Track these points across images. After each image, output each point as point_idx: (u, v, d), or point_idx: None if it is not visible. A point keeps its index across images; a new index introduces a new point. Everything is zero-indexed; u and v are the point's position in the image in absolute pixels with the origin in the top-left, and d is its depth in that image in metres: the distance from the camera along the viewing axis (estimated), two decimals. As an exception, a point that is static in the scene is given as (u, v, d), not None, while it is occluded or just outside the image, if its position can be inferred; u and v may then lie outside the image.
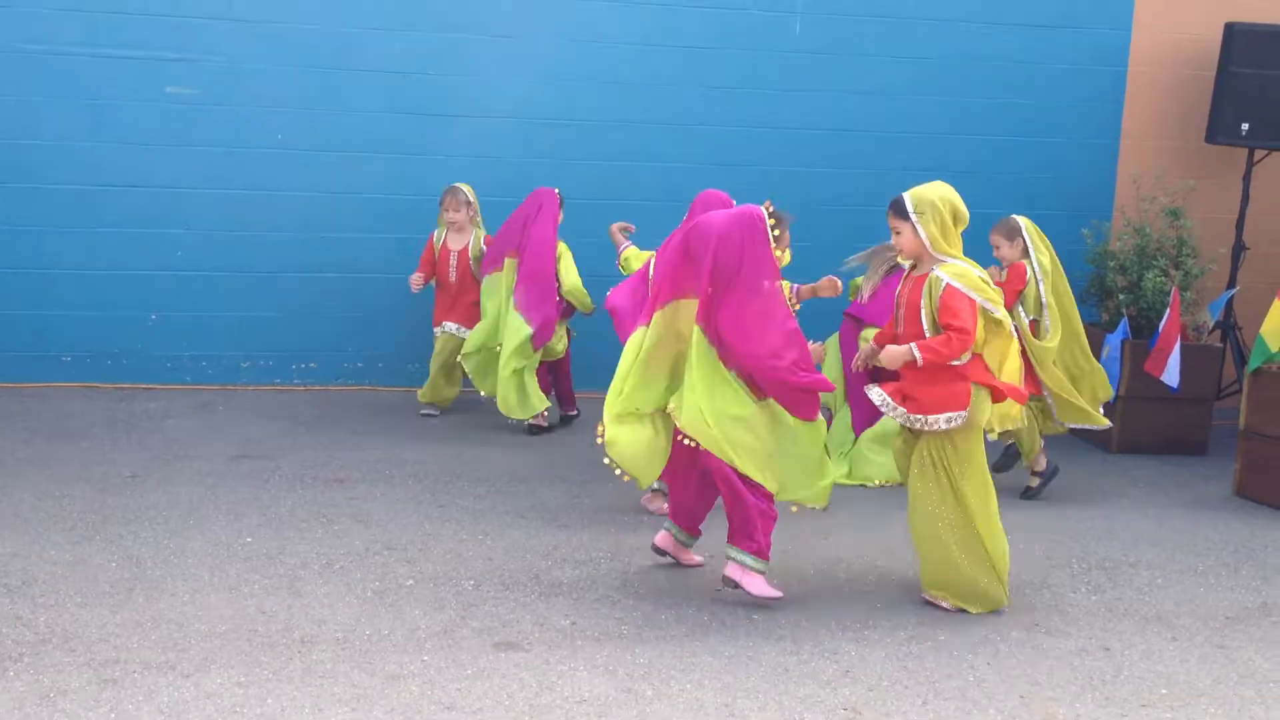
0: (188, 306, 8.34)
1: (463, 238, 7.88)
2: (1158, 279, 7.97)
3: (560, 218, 7.55)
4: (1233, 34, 8.53)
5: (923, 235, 5.11)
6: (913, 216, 5.12)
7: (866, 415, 7.04)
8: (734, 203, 5.91)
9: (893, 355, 5.12)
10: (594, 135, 8.59)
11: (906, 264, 5.38)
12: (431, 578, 5.27)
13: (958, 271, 5.06)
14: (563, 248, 7.56)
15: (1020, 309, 6.78)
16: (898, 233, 5.23)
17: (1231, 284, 8.70)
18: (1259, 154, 8.82)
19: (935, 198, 5.13)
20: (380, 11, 8.28)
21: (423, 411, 8.00)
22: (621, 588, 5.28)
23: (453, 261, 7.87)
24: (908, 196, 5.19)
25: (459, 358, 7.71)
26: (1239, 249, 8.81)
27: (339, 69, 8.29)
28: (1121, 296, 8.12)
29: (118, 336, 8.26)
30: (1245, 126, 8.54)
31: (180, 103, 8.13)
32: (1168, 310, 7.53)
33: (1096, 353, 7.95)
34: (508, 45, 8.45)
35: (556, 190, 7.58)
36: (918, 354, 5.02)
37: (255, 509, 6.03)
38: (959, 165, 8.92)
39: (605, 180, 8.53)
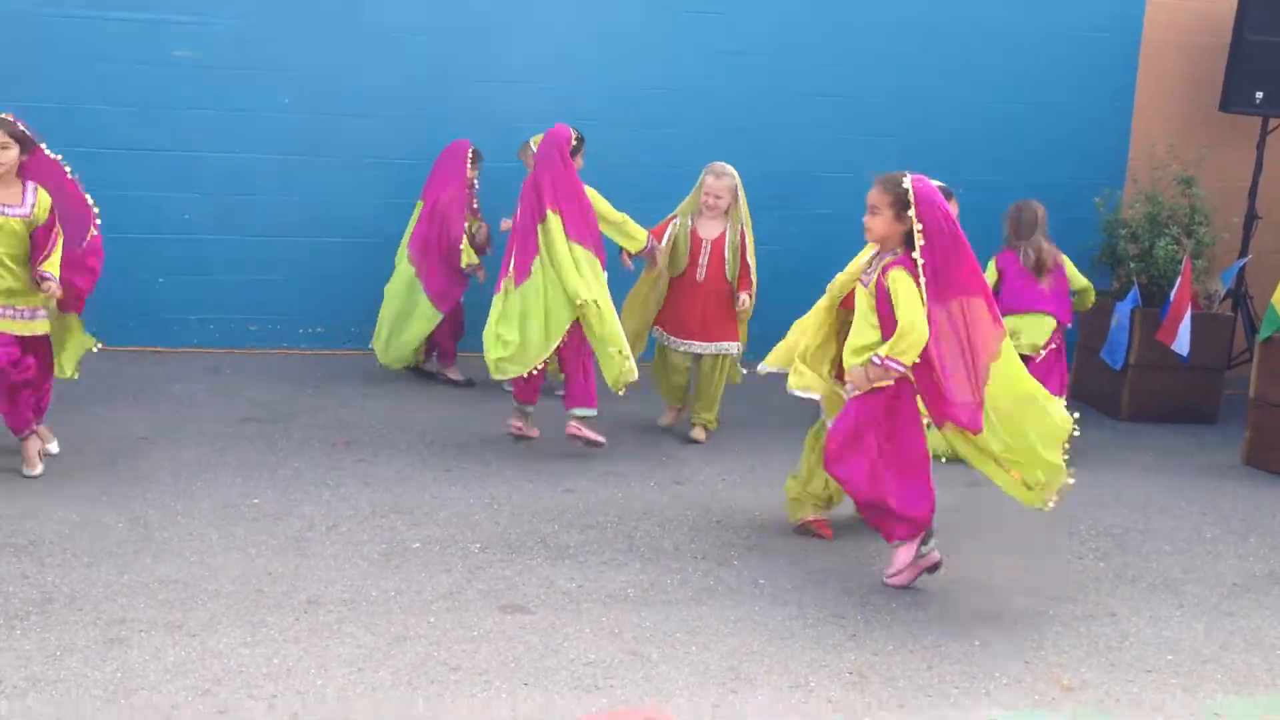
0: (195, 270, 8.33)
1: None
2: (1169, 247, 7.93)
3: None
4: (1247, 1, 8.45)
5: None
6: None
7: None
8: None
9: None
10: (597, 100, 8.54)
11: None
12: (438, 540, 5.28)
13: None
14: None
15: None
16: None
17: (1243, 253, 8.66)
18: (1273, 122, 8.76)
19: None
20: (389, -27, 8.25)
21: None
22: (628, 551, 5.28)
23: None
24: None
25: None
26: (1251, 217, 8.77)
27: (346, 32, 8.25)
28: (1133, 264, 8.09)
29: (125, 300, 8.25)
30: (1260, 94, 8.48)
31: (187, 66, 8.10)
32: (1179, 279, 7.50)
33: (1106, 321, 7.95)
34: (513, 8, 8.40)
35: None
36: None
37: (262, 471, 6.04)
38: (970, 132, 8.88)
39: (608, 146, 8.46)
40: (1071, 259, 7.60)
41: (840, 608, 4.83)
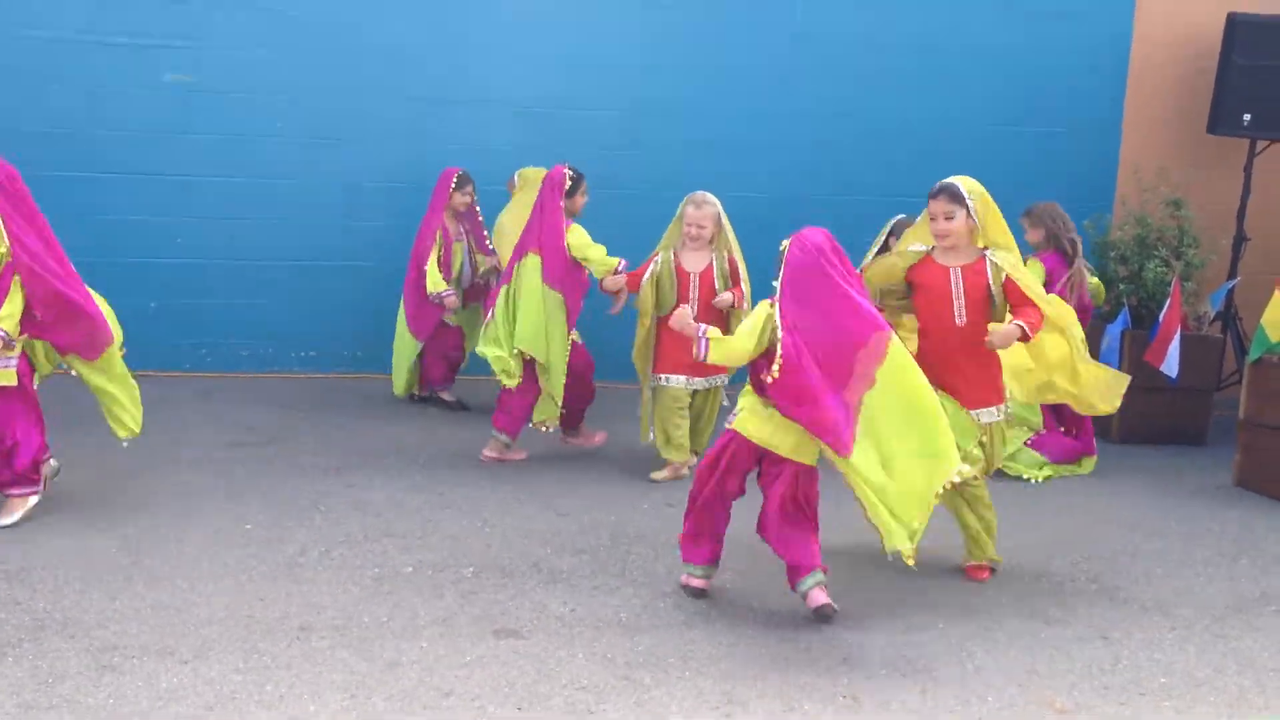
0: (187, 294, 8.34)
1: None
2: (1159, 269, 7.97)
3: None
4: (1235, 24, 8.52)
5: (976, 221, 5.28)
6: (968, 201, 5.27)
7: None
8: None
9: (1006, 334, 5.17)
10: (593, 122, 8.58)
11: (919, 249, 5.39)
12: (430, 565, 5.27)
13: (1013, 260, 5.32)
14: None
15: None
16: (949, 218, 5.30)
17: (1232, 274, 8.69)
18: (1261, 144, 8.81)
19: (981, 188, 5.33)
20: (381, -2, 8.29)
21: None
22: (620, 575, 5.28)
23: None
24: (960, 182, 5.34)
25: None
26: (1240, 239, 8.81)
27: (339, 56, 8.29)
28: (1122, 286, 8.12)
29: (118, 323, 8.24)
30: (1247, 117, 8.54)
31: (180, 90, 8.13)
32: (1168, 300, 7.53)
33: (1097, 345, 7.97)
34: (509, 31, 8.45)
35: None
36: (1027, 329, 5.18)
37: (254, 496, 6.03)
38: (959, 155, 8.87)
39: (604, 167, 8.50)
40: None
41: (833, 631, 4.83)
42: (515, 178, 7.90)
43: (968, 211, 5.28)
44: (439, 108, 8.43)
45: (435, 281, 7.61)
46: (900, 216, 7.06)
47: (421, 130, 8.39)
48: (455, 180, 7.70)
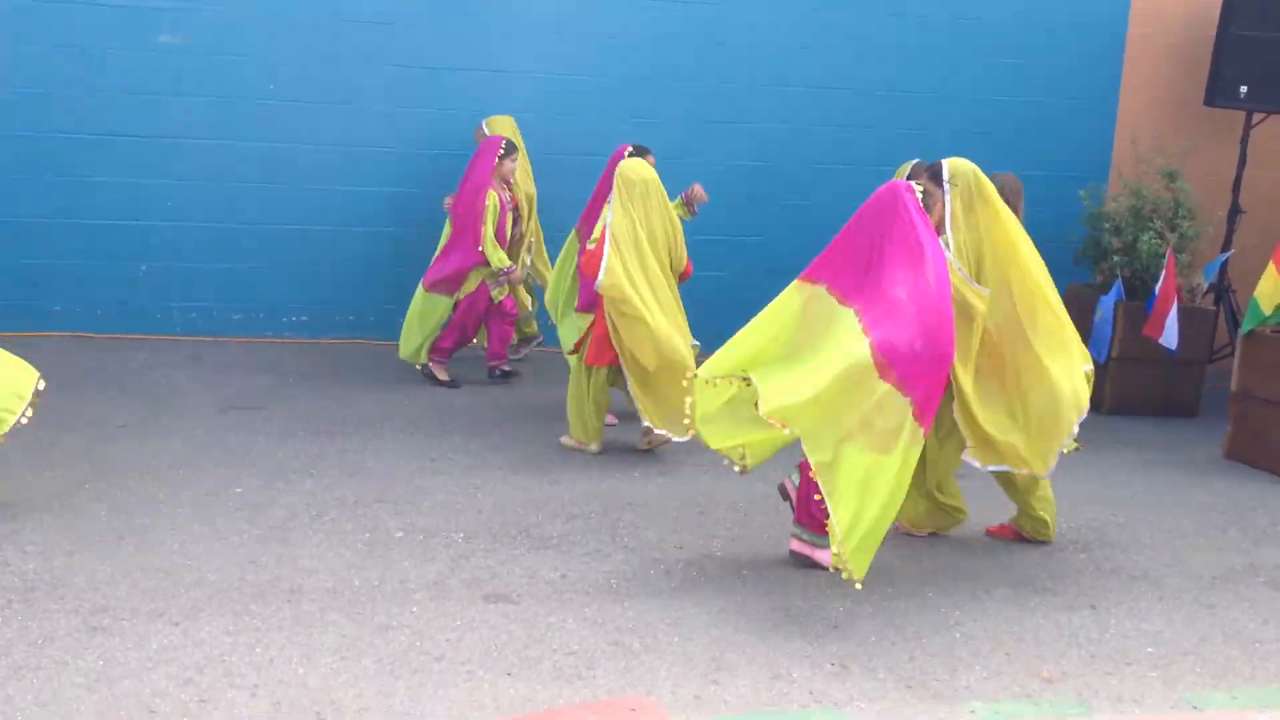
0: (179, 258, 8.31)
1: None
2: (1153, 241, 7.96)
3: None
4: (1233, -4, 8.48)
5: (947, 209, 5.03)
6: (945, 186, 5.04)
7: None
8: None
9: None
10: (591, 92, 8.54)
11: None
12: (422, 529, 5.28)
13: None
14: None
15: None
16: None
17: (1227, 247, 8.69)
18: (1257, 117, 8.79)
19: (970, 170, 5.07)
20: (374, -39, 8.22)
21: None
22: (611, 541, 5.29)
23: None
24: (946, 163, 5.10)
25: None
26: (1235, 212, 8.80)
27: (332, 20, 8.22)
28: (1116, 258, 8.11)
29: (109, 287, 8.24)
30: (1244, 89, 8.51)
31: (173, 52, 8.07)
32: (1163, 273, 7.53)
33: (1090, 314, 7.97)
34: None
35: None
36: None
37: (245, 460, 6.03)
38: (956, 126, 8.89)
39: (604, 137, 8.47)
40: (1056, 251, 7.58)
41: (822, 599, 4.84)
42: (483, 126, 7.87)
43: (944, 196, 5.06)
44: (434, 73, 8.38)
45: (500, 257, 7.48)
46: (915, 161, 7.08)
47: (416, 96, 8.34)
48: (503, 148, 7.48)
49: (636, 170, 6.26)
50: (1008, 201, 7.01)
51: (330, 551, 4.98)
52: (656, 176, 6.30)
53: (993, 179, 6.94)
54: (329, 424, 6.71)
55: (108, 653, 4.04)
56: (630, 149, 6.99)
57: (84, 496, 5.40)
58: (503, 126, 7.84)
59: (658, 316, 6.08)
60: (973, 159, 8.14)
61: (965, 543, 5.57)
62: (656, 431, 6.32)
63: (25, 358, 5.67)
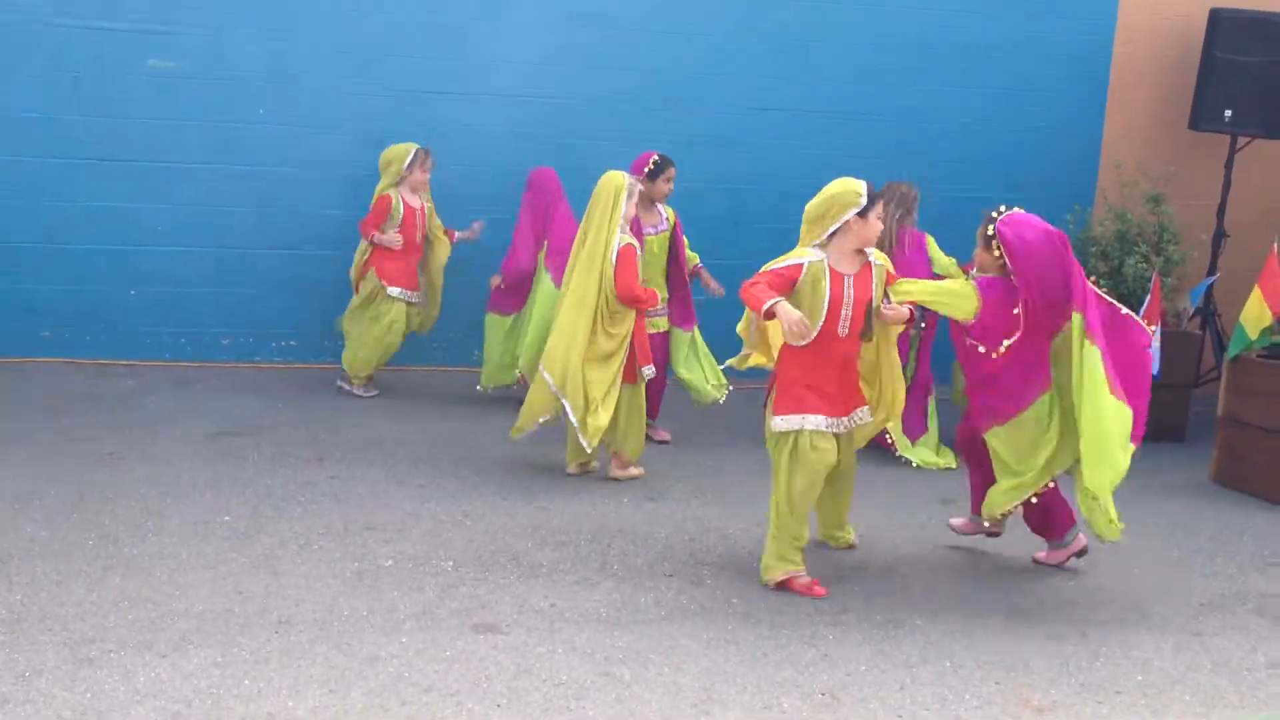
0: (167, 282, 8.29)
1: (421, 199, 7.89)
2: (1139, 265, 7.99)
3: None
4: (1218, 20, 8.53)
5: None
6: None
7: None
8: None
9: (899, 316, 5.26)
10: (578, 114, 8.55)
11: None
12: (411, 558, 5.26)
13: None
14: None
15: None
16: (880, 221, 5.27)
17: (1212, 271, 8.73)
18: (1241, 141, 8.84)
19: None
20: (364, -14, 8.24)
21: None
22: (601, 570, 5.28)
23: (418, 221, 7.86)
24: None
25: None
26: (1220, 236, 8.84)
27: (324, 45, 8.23)
28: (1102, 282, 8.13)
29: (97, 312, 8.21)
30: (1228, 113, 8.56)
31: (162, 77, 8.07)
32: (1148, 296, 7.55)
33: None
34: (492, 21, 8.40)
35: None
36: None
37: (234, 487, 6.01)
38: (941, 149, 8.93)
39: (590, 159, 8.49)
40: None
41: (813, 627, 4.84)
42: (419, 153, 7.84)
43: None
44: (425, 96, 8.37)
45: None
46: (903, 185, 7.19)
47: (407, 121, 8.33)
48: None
49: (602, 179, 6.42)
50: (906, 210, 7.13)
51: (319, 581, 4.97)
52: (604, 190, 6.36)
53: (888, 187, 7.02)
54: (318, 450, 6.69)
55: (95, 685, 4.03)
56: (656, 157, 7.07)
57: (71, 525, 5.38)
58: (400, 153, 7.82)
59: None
60: (957, 183, 8.24)
61: (955, 571, 5.58)
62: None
63: (12, 383, 5.66)
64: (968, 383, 5.44)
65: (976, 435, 5.46)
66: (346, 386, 7.91)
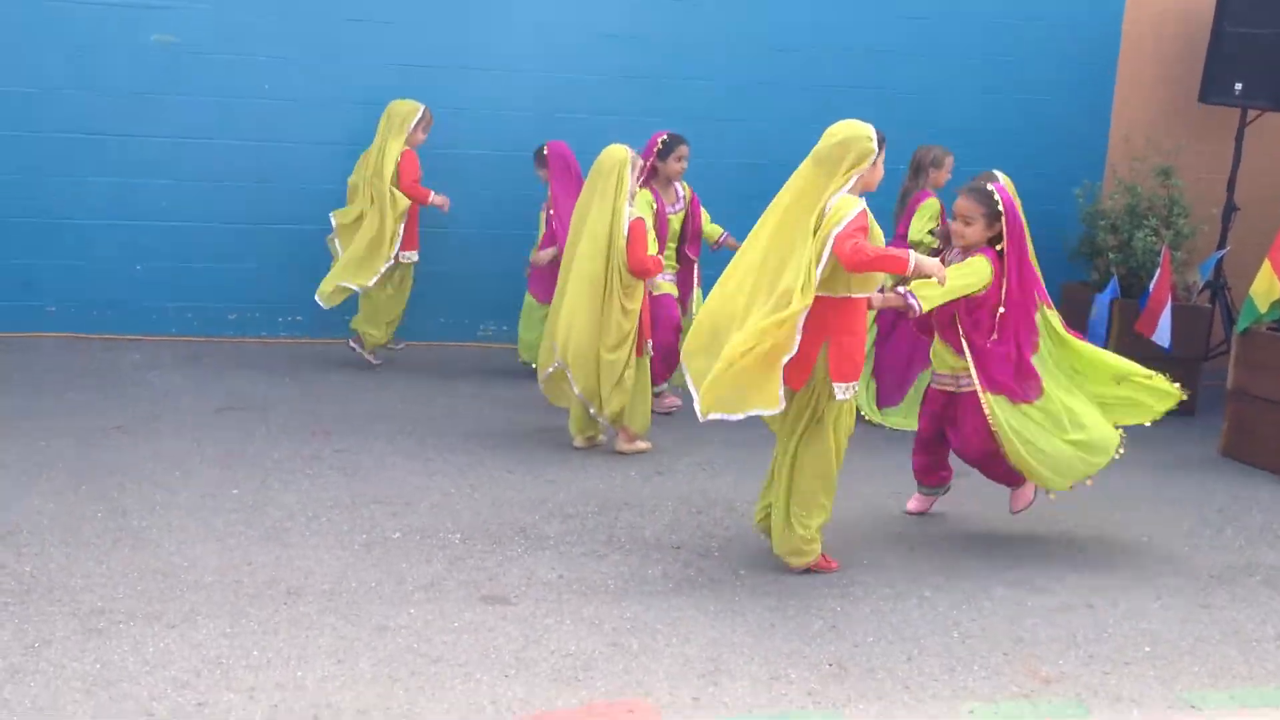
0: (174, 257, 8.27)
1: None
2: (1148, 238, 7.96)
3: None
4: (1228, -8, 8.47)
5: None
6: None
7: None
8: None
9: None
10: (584, 91, 8.51)
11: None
12: (419, 530, 5.27)
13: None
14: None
15: None
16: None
17: (1222, 244, 8.68)
18: (1252, 114, 8.78)
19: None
20: (369, -40, 8.20)
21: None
22: (608, 542, 5.29)
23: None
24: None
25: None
26: (1230, 209, 8.79)
27: (329, 19, 8.19)
28: (1112, 256, 8.11)
29: (103, 287, 8.20)
30: (1239, 86, 8.49)
31: (166, 52, 8.04)
32: (1158, 270, 7.53)
33: (1085, 312, 7.98)
34: (502, -2, 8.37)
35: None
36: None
37: (242, 461, 6.01)
38: (949, 124, 8.86)
39: (595, 137, 8.44)
40: (1051, 250, 7.54)
41: (820, 599, 4.84)
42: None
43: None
44: (426, 72, 8.34)
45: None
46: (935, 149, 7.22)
47: (413, 95, 8.27)
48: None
49: (603, 154, 6.39)
50: (914, 171, 7.17)
51: (327, 553, 4.98)
52: (606, 164, 6.33)
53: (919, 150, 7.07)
54: (325, 424, 6.69)
55: (104, 656, 4.04)
56: (665, 136, 7.05)
57: (80, 498, 5.39)
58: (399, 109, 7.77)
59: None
60: (966, 157, 8.17)
61: (963, 542, 5.58)
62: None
63: (19, 359, 5.66)
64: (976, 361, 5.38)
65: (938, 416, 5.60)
66: (360, 350, 7.92)
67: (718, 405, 4.77)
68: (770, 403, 4.72)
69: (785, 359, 4.66)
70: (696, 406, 4.81)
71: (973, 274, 5.25)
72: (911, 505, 5.86)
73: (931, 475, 5.79)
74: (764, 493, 5.19)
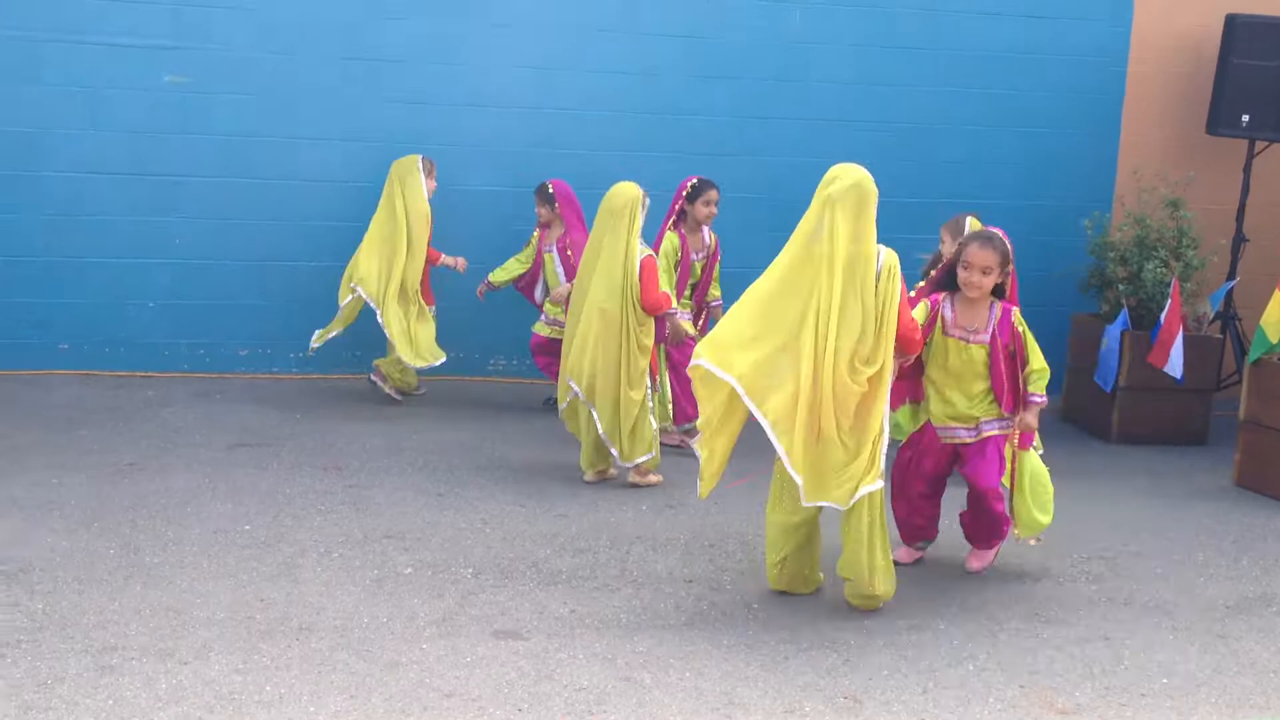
0: (185, 295, 8.31)
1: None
2: (1158, 270, 7.96)
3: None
4: (1234, 25, 8.51)
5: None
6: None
7: None
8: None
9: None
10: (586, 125, 8.55)
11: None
12: (430, 565, 5.26)
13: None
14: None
15: None
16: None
17: (1231, 275, 8.69)
18: (1259, 145, 8.80)
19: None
20: (376, 0, 8.26)
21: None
22: (620, 576, 5.27)
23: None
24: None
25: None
26: (1239, 240, 8.80)
27: (337, 58, 8.26)
28: (1121, 287, 8.11)
29: (115, 325, 8.24)
30: (1246, 118, 8.53)
31: (179, 91, 8.11)
32: (1168, 301, 7.53)
33: (1095, 344, 7.97)
34: (503, 34, 8.41)
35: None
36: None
37: (254, 497, 6.02)
38: (958, 157, 8.91)
39: (596, 171, 8.47)
40: (1060, 282, 7.58)
41: (834, 632, 4.82)
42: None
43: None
44: (435, 110, 8.40)
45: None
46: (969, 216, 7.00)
47: (416, 133, 8.35)
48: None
49: (614, 192, 6.43)
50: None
51: (339, 589, 4.97)
52: (618, 202, 6.36)
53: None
54: (336, 459, 6.70)
55: (117, 693, 4.03)
56: (695, 180, 7.21)
57: (92, 535, 5.39)
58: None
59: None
60: (976, 191, 8.14)
61: (977, 575, 5.55)
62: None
63: (32, 396, 5.68)
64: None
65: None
66: (383, 385, 7.98)
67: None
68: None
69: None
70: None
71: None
72: (902, 556, 5.67)
73: (930, 532, 5.70)
74: (772, 548, 5.12)
